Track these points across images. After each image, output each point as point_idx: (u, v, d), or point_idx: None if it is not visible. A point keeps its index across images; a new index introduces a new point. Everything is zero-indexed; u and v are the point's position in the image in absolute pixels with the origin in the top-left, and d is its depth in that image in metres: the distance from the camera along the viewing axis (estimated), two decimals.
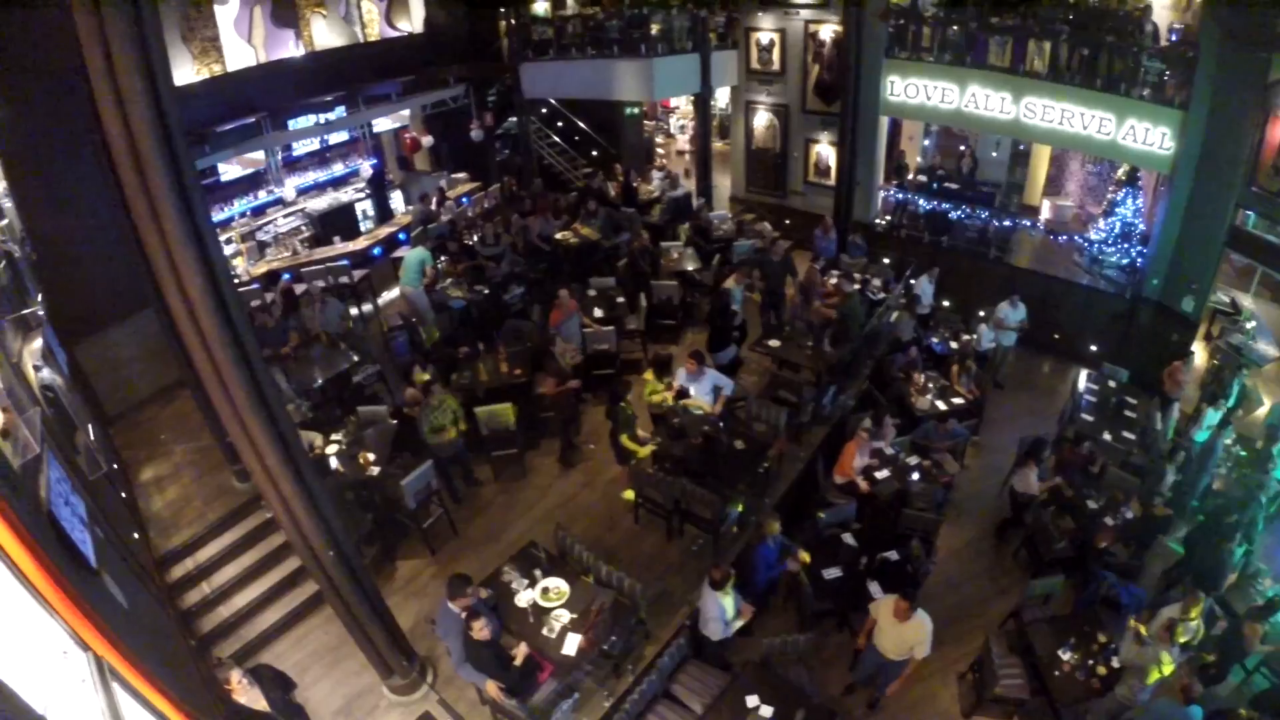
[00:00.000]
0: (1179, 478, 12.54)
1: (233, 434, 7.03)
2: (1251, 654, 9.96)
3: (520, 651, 8.08)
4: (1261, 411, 14.01)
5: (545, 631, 8.61)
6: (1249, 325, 16.18)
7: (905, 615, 8.25)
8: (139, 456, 12.24)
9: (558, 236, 16.63)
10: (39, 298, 9.88)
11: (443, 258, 15.35)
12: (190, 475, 11.95)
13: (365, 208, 19.16)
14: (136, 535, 10.36)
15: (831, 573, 10.08)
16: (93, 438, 10.25)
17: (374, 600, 8.48)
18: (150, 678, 4.66)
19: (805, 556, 9.85)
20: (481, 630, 7.79)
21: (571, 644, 8.45)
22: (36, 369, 8.16)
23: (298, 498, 7.37)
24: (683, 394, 11.67)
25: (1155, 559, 11.85)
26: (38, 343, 8.76)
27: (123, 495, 10.91)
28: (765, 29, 18.98)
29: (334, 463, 10.77)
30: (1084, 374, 15.03)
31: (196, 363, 6.59)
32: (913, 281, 15.79)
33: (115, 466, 11.15)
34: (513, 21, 19.01)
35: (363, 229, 18.85)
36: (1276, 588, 10.62)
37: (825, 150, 19.14)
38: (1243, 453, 13.30)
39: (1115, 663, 9.06)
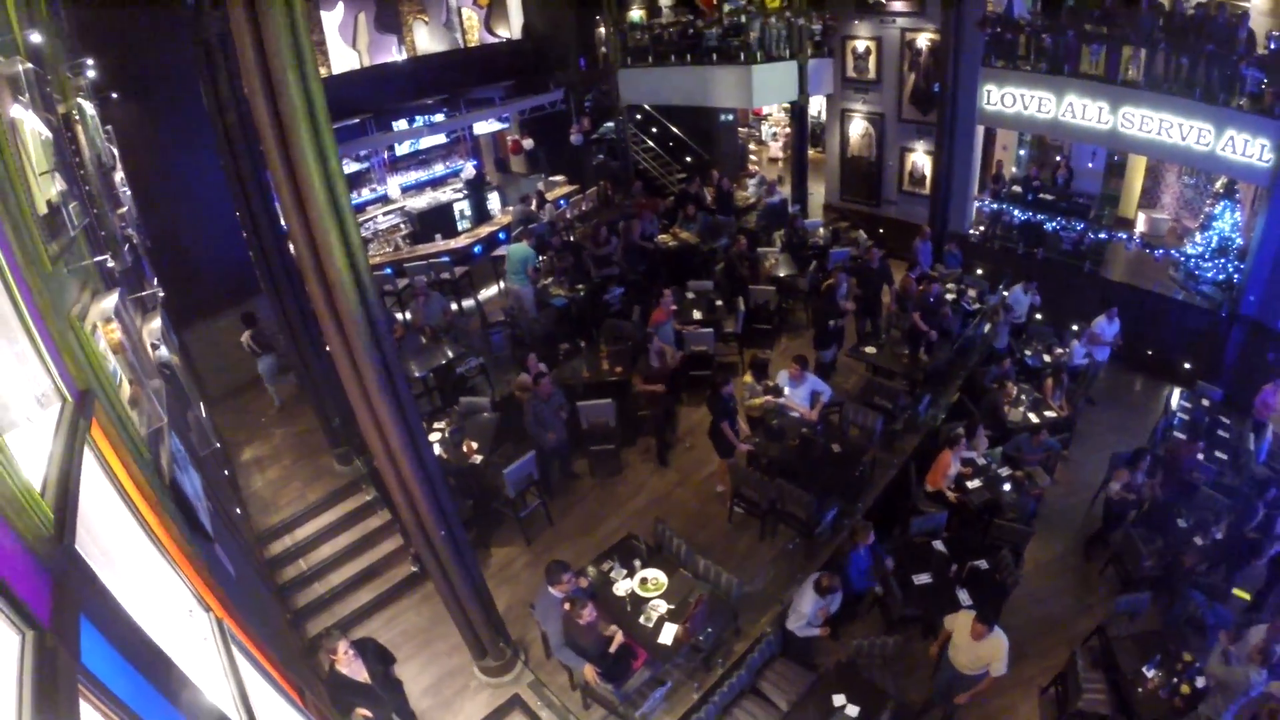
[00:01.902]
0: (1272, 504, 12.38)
1: (358, 412, 7.38)
2: None
3: (617, 638, 8.38)
4: None
5: (642, 620, 8.89)
6: None
7: (981, 635, 8.31)
8: (239, 439, 12.79)
9: (657, 239, 16.94)
10: (154, 281, 10.43)
11: (541, 257, 15.73)
12: (291, 458, 12.50)
13: (463, 208, 19.68)
14: (239, 511, 10.93)
15: (921, 579, 10.18)
16: (203, 414, 10.86)
17: (477, 581, 8.82)
18: (259, 644, 5.02)
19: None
20: (588, 616, 8.10)
21: (668, 634, 8.71)
22: (154, 347, 8.68)
23: (416, 477, 7.72)
24: (779, 393, 11.90)
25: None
26: (156, 323, 9.30)
27: (225, 473, 11.48)
28: (862, 37, 19.03)
29: (437, 449, 11.12)
30: (1177, 392, 14.83)
31: (330, 342, 6.99)
32: (1005, 293, 15.72)
33: (218, 445, 11.72)
34: (610, 28, 19.38)
35: (460, 228, 19.36)
36: None
37: (921, 159, 19.13)
38: None
39: (1200, 682, 9.01)
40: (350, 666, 7.73)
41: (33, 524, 2.47)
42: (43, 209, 4.49)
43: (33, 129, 4.54)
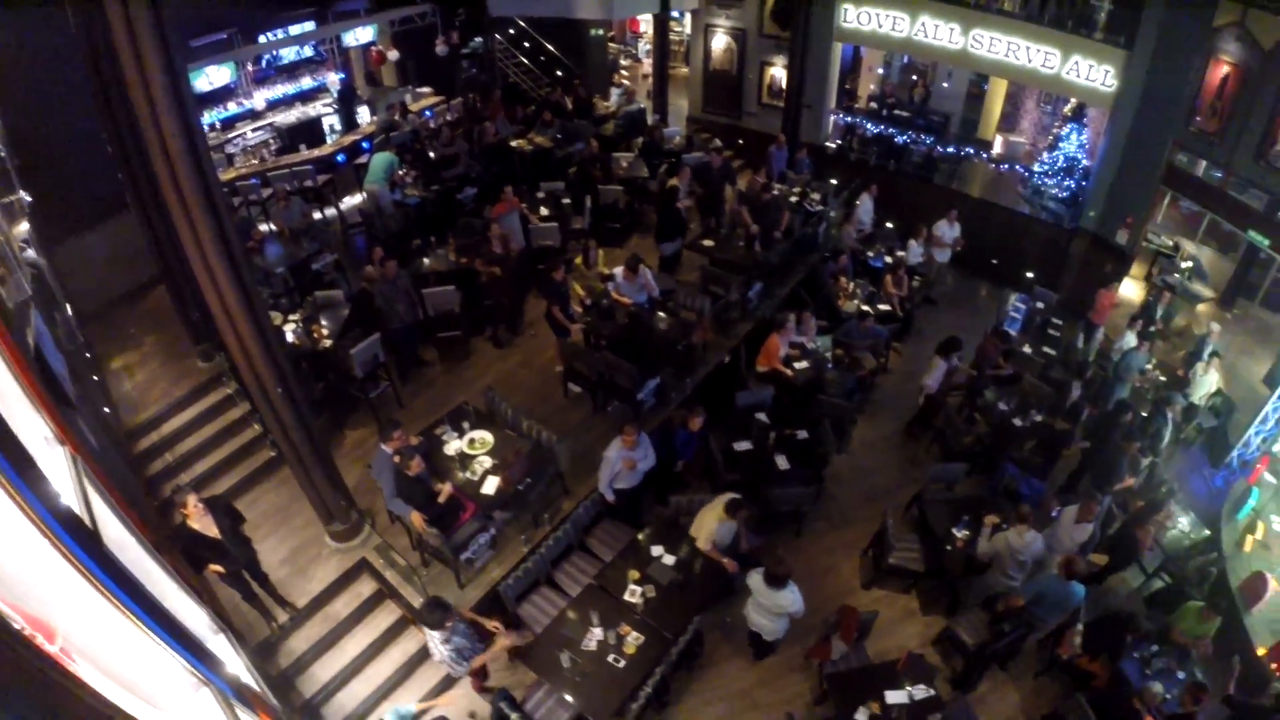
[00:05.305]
0: (1084, 393, 13.33)
1: (198, 273, 7.62)
2: (1145, 556, 10.91)
3: (445, 489, 8.93)
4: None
5: (469, 475, 9.53)
6: (1185, 265, 16.99)
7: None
8: (110, 350, 12.83)
9: (514, 144, 17.25)
10: (20, 193, 10.50)
11: (403, 168, 15.99)
12: (158, 361, 12.61)
13: (333, 122, 19.59)
14: (107, 410, 11.12)
15: (742, 445, 10.91)
16: (69, 314, 11.01)
17: (315, 442, 9.18)
18: (116, 492, 5.34)
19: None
20: (416, 467, 8.66)
21: (491, 485, 9.39)
22: (23, 247, 8.88)
23: (251, 333, 8.04)
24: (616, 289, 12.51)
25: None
26: (24, 226, 9.49)
27: (95, 379, 11.63)
28: None
29: (290, 337, 11.51)
30: (1014, 296, 15.80)
31: (171, 210, 7.22)
32: (856, 203, 16.47)
33: (89, 356, 11.86)
34: None
35: (329, 142, 19.28)
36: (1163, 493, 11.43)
37: (780, 73, 19.55)
38: (1162, 378, 14.12)
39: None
40: (201, 521, 8.13)
41: None
42: None
43: None
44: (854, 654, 9.09)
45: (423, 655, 9.28)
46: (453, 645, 7.68)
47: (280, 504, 10.76)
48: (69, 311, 11.60)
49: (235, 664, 5.61)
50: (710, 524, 9.08)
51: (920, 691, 8.33)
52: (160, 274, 11.92)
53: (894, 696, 8.26)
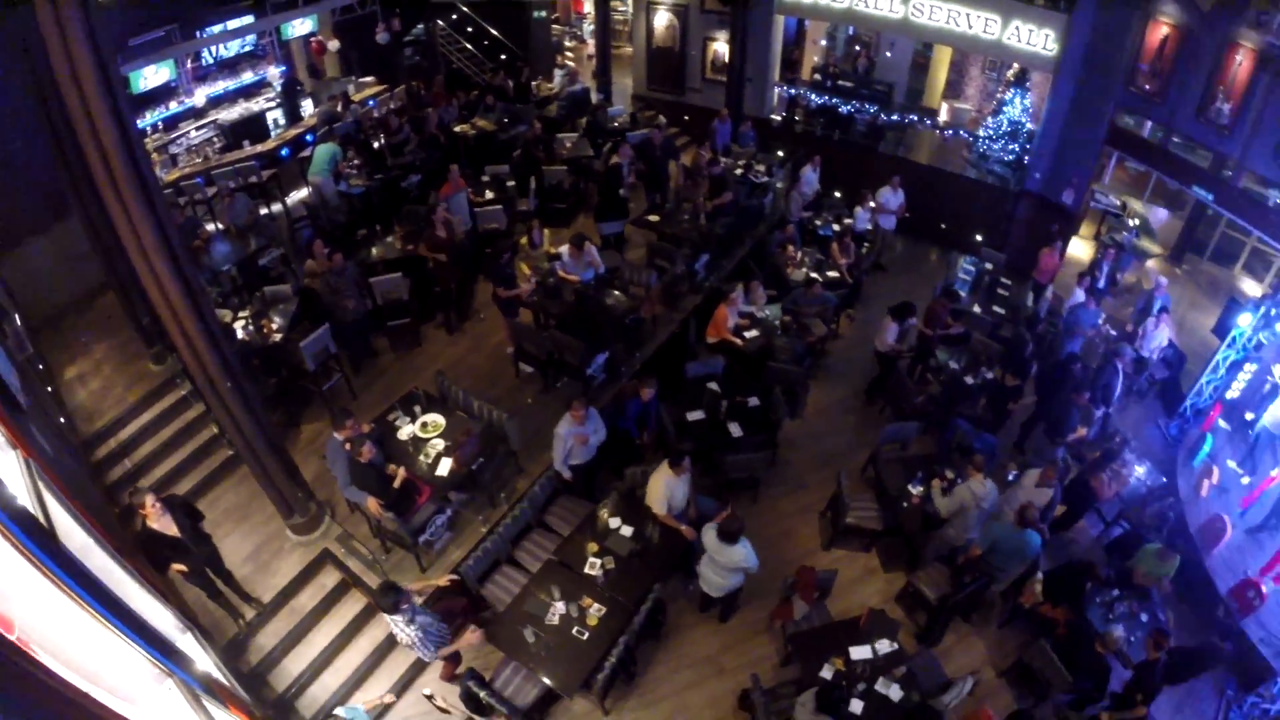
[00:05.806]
0: (1034, 349, 13.48)
1: (141, 275, 7.58)
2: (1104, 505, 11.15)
3: (399, 474, 9.00)
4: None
5: (422, 458, 9.57)
6: (1133, 223, 17.26)
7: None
8: (62, 359, 12.69)
9: (457, 129, 17.26)
10: None
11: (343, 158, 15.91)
12: (111, 367, 12.45)
13: (276, 116, 19.39)
14: (63, 420, 11.04)
15: (694, 415, 10.99)
16: (19, 324, 10.89)
17: (270, 437, 9.17)
18: (74, 499, 5.32)
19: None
20: (367, 453, 8.70)
21: (444, 466, 9.43)
22: None
23: (199, 332, 7.99)
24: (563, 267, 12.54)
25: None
26: None
27: (49, 390, 11.55)
28: None
29: (240, 334, 11.43)
30: (963, 258, 16.02)
31: (110, 211, 7.16)
32: (799, 174, 16.58)
33: (41, 367, 11.73)
34: None
35: (273, 136, 19.10)
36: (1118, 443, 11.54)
37: (722, 48, 19.40)
38: (1113, 332, 14.33)
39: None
40: (160, 521, 8.09)
41: None
42: None
43: None
44: (816, 613, 9.22)
45: (391, 643, 9.30)
46: (417, 625, 7.67)
47: (240, 502, 10.71)
48: (18, 321, 11.49)
49: (204, 662, 5.63)
50: (659, 487, 9.18)
51: (885, 646, 8.48)
52: (108, 278, 11.83)
53: (858, 652, 8.40)
